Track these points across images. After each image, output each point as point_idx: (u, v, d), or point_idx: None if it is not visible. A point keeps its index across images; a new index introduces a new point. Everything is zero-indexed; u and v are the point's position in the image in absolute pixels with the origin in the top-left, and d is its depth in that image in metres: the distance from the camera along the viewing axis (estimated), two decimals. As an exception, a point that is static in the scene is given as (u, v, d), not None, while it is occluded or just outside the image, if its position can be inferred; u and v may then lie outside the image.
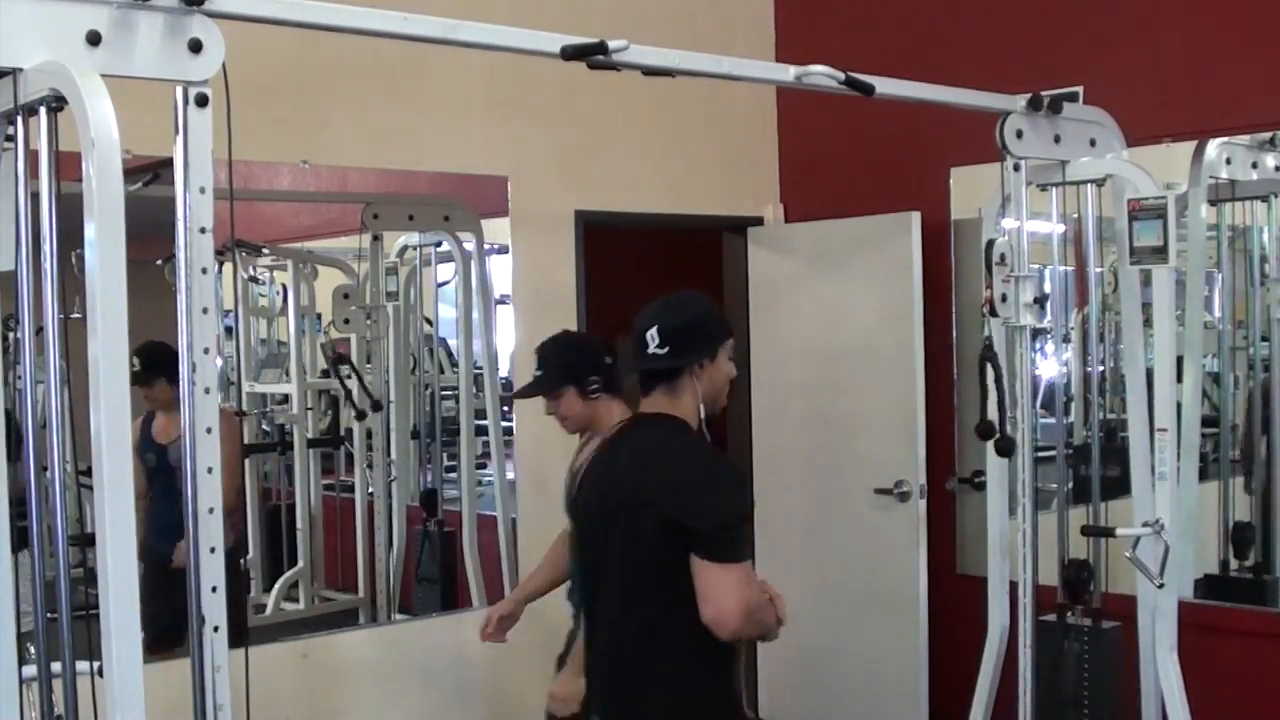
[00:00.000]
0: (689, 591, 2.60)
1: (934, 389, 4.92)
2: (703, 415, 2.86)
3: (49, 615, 2.25)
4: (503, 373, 4.93)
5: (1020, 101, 3.57)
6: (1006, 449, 3.48)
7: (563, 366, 3.59)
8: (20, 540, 2.29)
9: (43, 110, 2.08)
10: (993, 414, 3.43)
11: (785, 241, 5.42)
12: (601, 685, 2.83)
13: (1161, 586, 3.63)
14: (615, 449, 2.93)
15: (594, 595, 2.88)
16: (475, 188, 4.76)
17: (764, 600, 2.73)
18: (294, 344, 4.91)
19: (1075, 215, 3.92)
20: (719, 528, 2.63)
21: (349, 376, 4.79)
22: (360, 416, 4.74)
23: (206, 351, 2.23)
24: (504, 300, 4.83)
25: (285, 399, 4.85)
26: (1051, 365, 4.30)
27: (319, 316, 4.94)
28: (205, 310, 2.23)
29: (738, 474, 2.84)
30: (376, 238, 4.74)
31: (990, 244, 3.53)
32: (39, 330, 2.14)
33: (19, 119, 2.16)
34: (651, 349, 2.79)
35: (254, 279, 4.85)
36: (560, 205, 4.87)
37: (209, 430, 2.22)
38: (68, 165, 2.03)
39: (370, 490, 4.89)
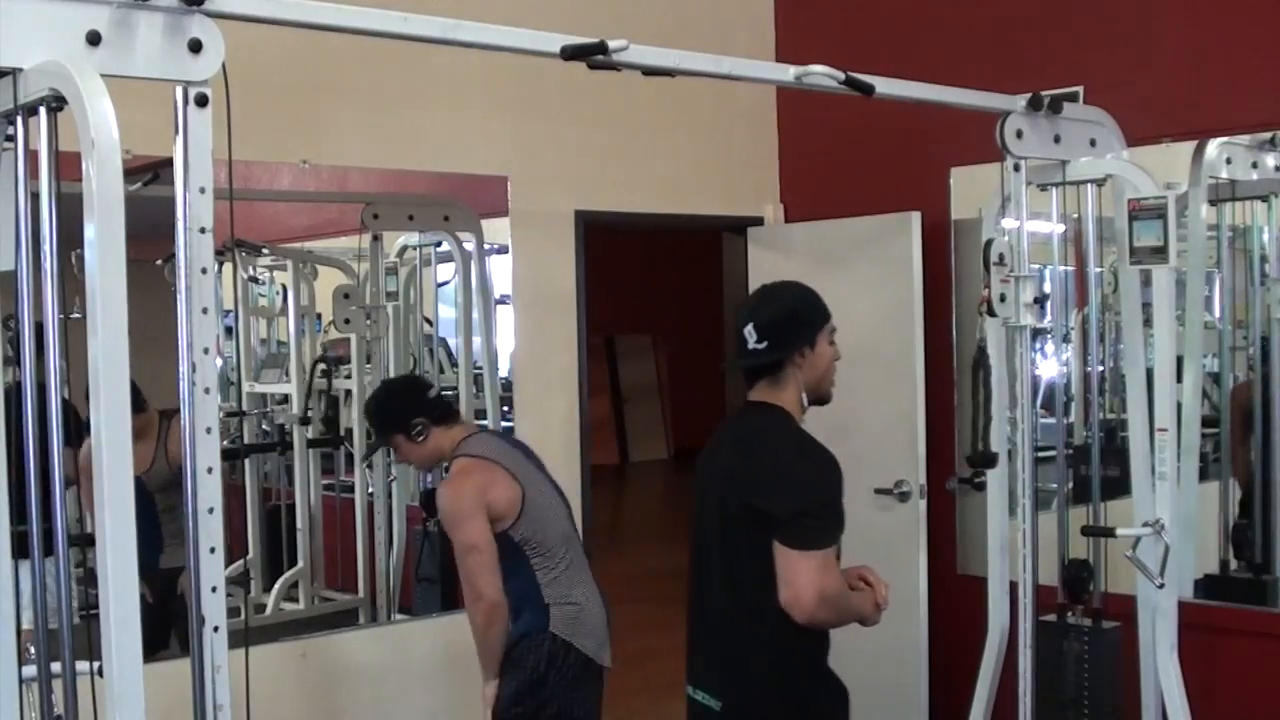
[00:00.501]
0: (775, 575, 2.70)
1: (934, 389, 4.92)
2: (807, 403, 2.91)
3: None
4: (503, 373, 4.93)
5: (1020, 101, 3.57)
6: (988, 461, 3.49)
7: (386, 420, 3.70)
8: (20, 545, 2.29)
9: (43, 110, 2.08)
10: (986, 429, 3.46)
11: (785, 241, 5.42)
12: (705, 664, 2.90)
13: (1161, 586, 3.63)
14: (718, 439, 3.01)
15: (696, 578, 2.96)
16: (475, 188, 4.76)
17: (846, 588, 2.81)
18: (294, 344, 4.91)
19: (1075, 215, 3.92)
20: (799, 515, 2.71)
21: (322, 376, 4.81)
22: (304, 422, 4.76)
23: (206, 351, 2.23)
24: (504, 300, 4.83)
25: (285, 399, 4.84)
26: (1051, 365, 4.30)
27: (319, 316, 4.94)
28: (205, 310, 2.23)
29: (828, 462, 2.83)
30: (376, 238, 4.74)
31: (989, 244, 3.54)
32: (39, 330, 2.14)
33: (19, 119, 2.16)
34: (751, 344, 2.85)
35: (254, 279, 4.85)
36: (560, 205, 4.87)
37: (209, 430, 2.22)
38: (68, 165, 2.02)
39: (370, 490, 4.89)
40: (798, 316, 2.91)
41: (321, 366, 4.80)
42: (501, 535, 3.47)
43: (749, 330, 2.85)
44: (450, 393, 5.03)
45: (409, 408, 3.63)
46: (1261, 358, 4.31)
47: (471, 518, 3.42)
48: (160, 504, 3.98)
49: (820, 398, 2.94)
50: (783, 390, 2.89)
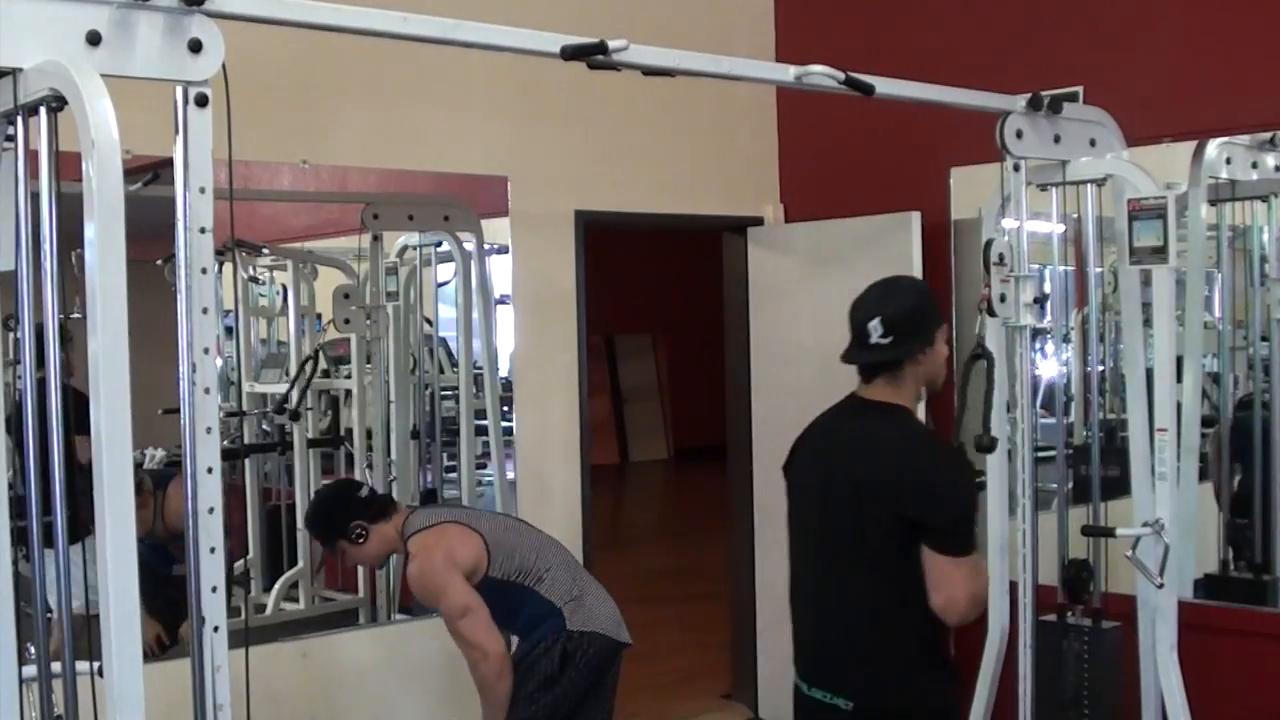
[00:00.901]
0: (916, 576, 2.73)
1: (934, 389, 4.92)
2: (923, 398, 2.95)
3: (49, 615, 2.26)
4: (503, 373, 4.93)
5: (1020, 101, 3.57)
6: (989, 446, 3.50)
7: (324, 531, 3.78)
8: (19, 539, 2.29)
9: (43, 110, 2.08)
10: (987, 418, 3.44)
11: (785, 241, 5.42)
12: (829, 664, 2.87)
13: (1161, 586, 3.63)
14: (831, 431, 2.98)
15: (808, 576, 2.95)
16: (475, 188, 4.76)
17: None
18: (294, 344, 4.91)
19: (1075, 215, 3.92)
20: (954, 522, 2.75)
21: (322, 376, 4.81)
22: (294, 417, 4.77)
23: (206, 351, 2.23)
24: (504, 300, 4.83)
25: (285, 399, 4.84)
26: (1051, 365, 4.30)
27: (319, 316, 4.94)
28: (205, 310, 2.23)
29: (968, 466, 2.91)
30: (376, 238, 4.74)
31: (989, 244, 3.54)
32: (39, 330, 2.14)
33: (19, 119, 2.16)
34: (874, 339, 2.84)
35: (254, 279, 4.85)
36: (560, 205, 4.87)
37: (209, 430, 2.22)
38: (68, 165, 2.02)
39: (370, 490, 4.89)
40: (923, 313, 2.93)
41: (312, 363, 4.79)
42: (484, 582, 3.49)
43: (874, 324, 2.83)
44: (451, 392, 5.04)
45: (343, 513, 3.68)
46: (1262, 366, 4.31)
47: (449, 583, 3.47)
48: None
49: (933, 394, 3.00)
50: (901, 387, 2.89)
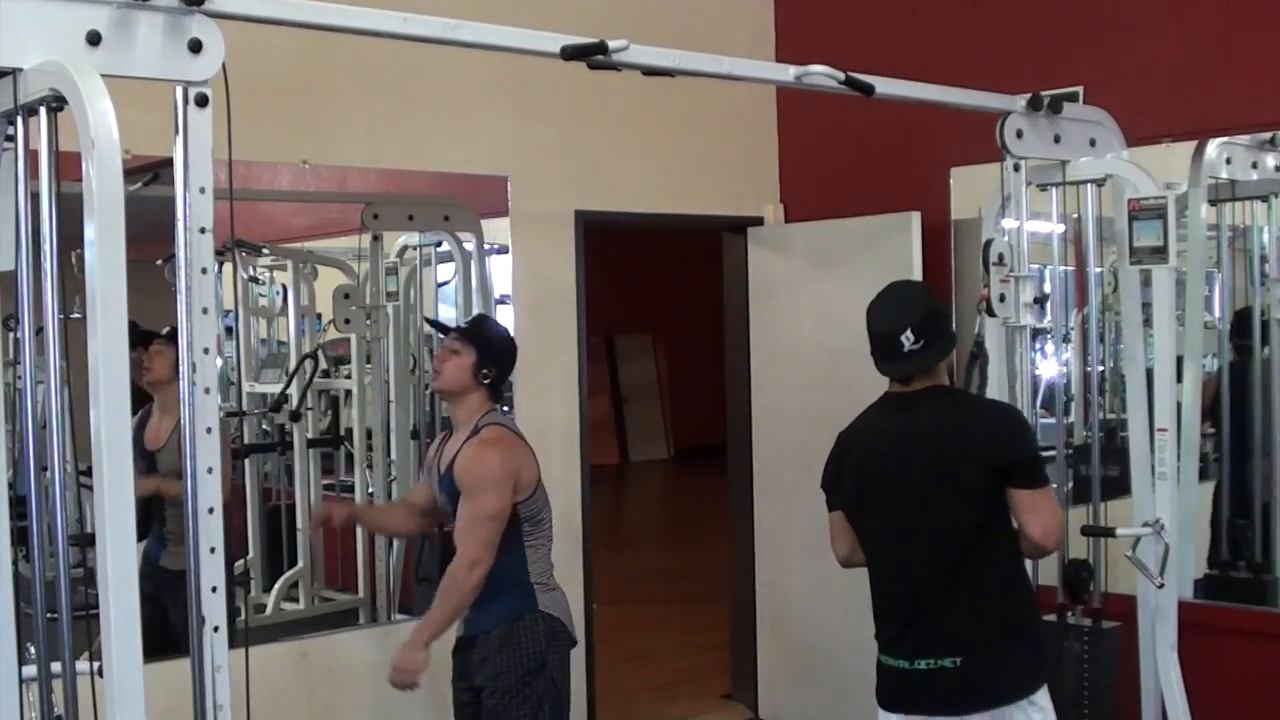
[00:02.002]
0: (1002, 536, 3.02)
1: (934, 389, 4.92)
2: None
3: (49, 615, 2.26)
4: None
5: (1020, 101, 3.57)
6: None
7: (482, 340, 3.64)
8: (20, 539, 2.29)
9: (43, 110, 2.08)
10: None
11: (785, 241, 5.42)
12: (929, 634, 3.04)
13: (1161, 586, 3.64)
14: (888, 424, 3.17)
15: (896, 558, 3.12)
16: (475, 188, 4.76)
17: None
18: (294, 344, 4.91)
19: (1075, 215, 3.92)
20: (1032, 455, 3.07)
21: (321, 375, 4.81)
22: (294, 416, 4.76)
23: (206, 351, 2.23)
24: (504, 300, 4.83)
25: (286, 399, 4.85)
26: (1051, 365, 4.30)
27: (319, 316, 4.94)
28: (205, 310, 2.23)
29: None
30: (376, 238, 4.74)
31: (989, 244, 3.54)
32: (39, 330, 2.14)
33: (19, 119, 2.16)
34: (909, 348, 3.06)
35: (254, 279, 4.85)
36: (560, 205, 4.86)
37: (209, 430, 2.23)
38: (68, 165, 2.03)
39: (370, 490, 4.89)
40: (940, 312, 3.21)
41: (312, 362, 4.79)
42: (511, 508, 3.51)
43: (906, 335, 3.05)
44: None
45: (499, 357, 3.62)
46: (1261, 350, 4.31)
47: (500, 486, 3.46)
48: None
49: (952, 375, 3.28)
50: (935, 374, 3.13)
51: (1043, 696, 3.10)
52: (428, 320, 4.80)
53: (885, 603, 3.17)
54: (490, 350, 3.61)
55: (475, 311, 4.76)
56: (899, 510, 3.09)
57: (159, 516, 4.05)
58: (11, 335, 2.51)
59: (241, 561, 4.65)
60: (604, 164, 4.99)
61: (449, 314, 4.98)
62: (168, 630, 3.41)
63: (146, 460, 4.00)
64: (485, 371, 3.57)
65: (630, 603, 7.32)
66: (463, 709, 3.61)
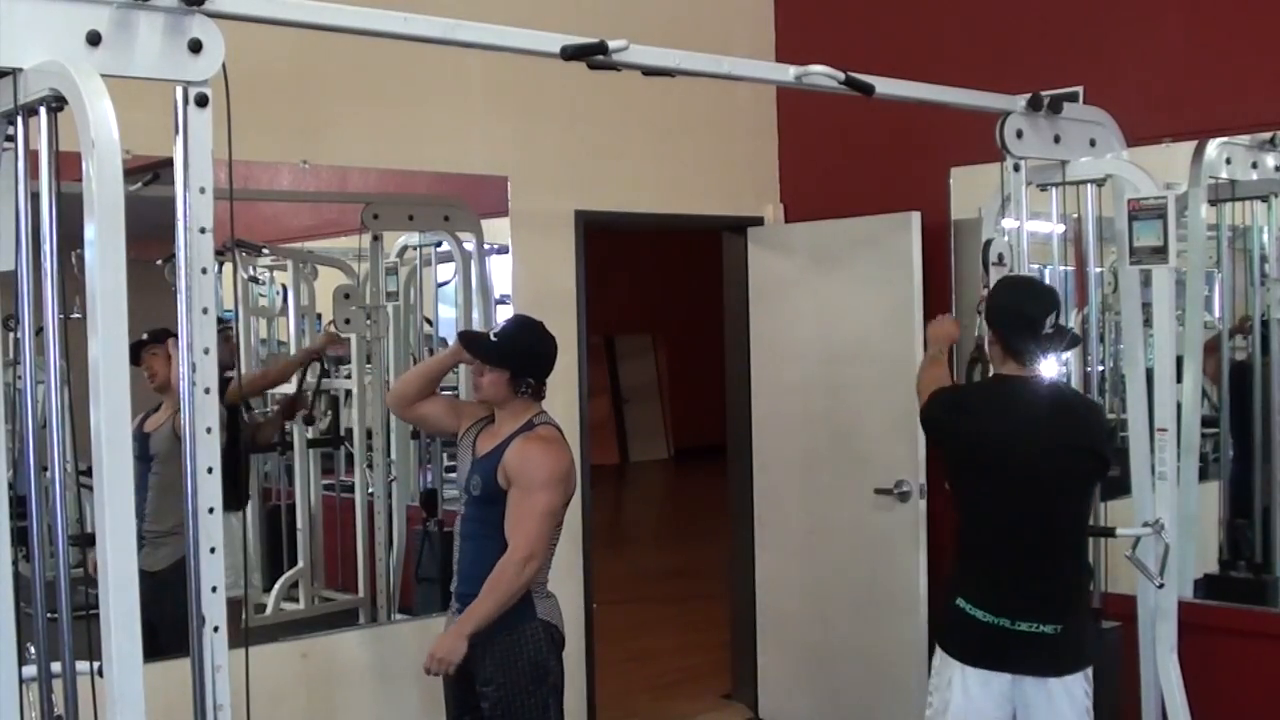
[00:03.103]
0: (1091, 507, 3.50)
1: (934, 389, 4.92)
2: None
3: (49, 615, 2.26)
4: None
5: (1020, 101, 3.57)
6: None
7: (510, 353, 3.60)
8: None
9: (43, 110, 2.08)
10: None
11: (785, 241, 5.42)
12: (1036, 599, 3.26)
13: (1161, 586, 3.64)
14: (1012, 402, 3.36)
15: (1012, 525, 3.31)
16: (475, 188, 4.75)
17: None
18: (294, 344, 4.91)
19: (1075, 215, 3.92)
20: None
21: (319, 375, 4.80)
22: (308, 421, 4.77)
23: (206, 352, 2.23)
24: (504, 300, 4.82)
25: (301, 400, 4.84)
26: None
27: (319, 316, 4.94)
28: (205, 310, 2.24)
29: None
30: (376, 238, 4.74)
31: (988, 244, 3.54)
32: (39, 330, 2.15)
33: (19, 119, 2.16)
34: (1047, 329, 3.30)
35: (254, 279, 4.84)
36: (560, 205, 4.86)
37: (209, 430, 2.23)
38: (68, 165, 2.03)
39: (370, 490, 4.89)
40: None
41: (318, 364, 4.79)
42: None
43: (1051, 317, 3.29)
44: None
45: (535, 362, 3.59)
46: (1262, 349, 4.30)
47: (560, 485, 3.49)
48: (159, 473, 3.96)
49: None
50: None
51: (1090, 672, 3.35)
52: (461, 335, 4.66)
53: (987, 562, 3.34)
54: (521, 365, 3.58)
55: (474, 312, 4.77)
56: (1018, 483, 3.29)
57: (138, 514, 4.02)
58: (11, 335, 2.51)
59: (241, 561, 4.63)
60: (604, 164, 4.99)
61: (449, 314, 4.98)
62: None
63: (140, 444, 3.97)
64: (524, 386, 3.56)
65: (630, 602, 7.33)
66: (461, 708, 3.61)
